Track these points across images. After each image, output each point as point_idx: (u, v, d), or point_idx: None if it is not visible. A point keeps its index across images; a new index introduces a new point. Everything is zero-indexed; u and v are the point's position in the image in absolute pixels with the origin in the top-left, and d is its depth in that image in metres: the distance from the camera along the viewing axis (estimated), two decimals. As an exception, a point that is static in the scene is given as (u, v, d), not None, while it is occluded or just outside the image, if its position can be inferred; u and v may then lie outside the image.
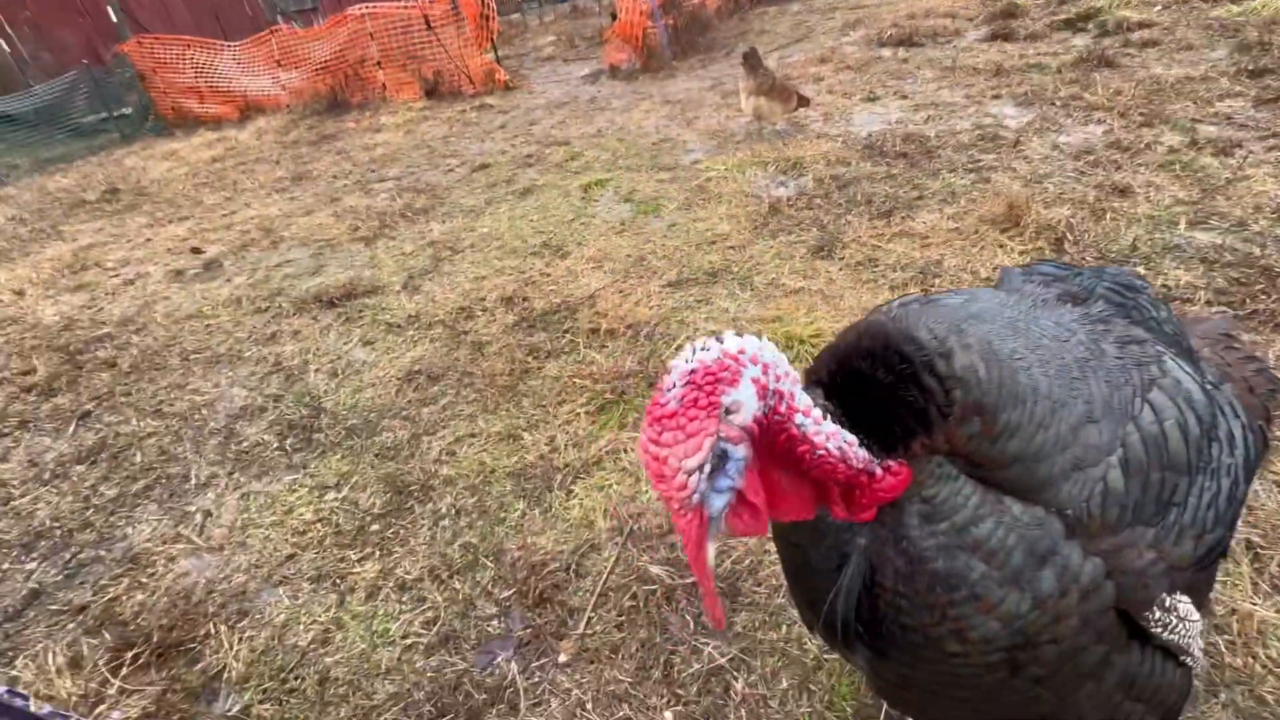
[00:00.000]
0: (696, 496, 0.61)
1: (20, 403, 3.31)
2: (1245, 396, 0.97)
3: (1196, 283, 2.56)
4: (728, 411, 0.62)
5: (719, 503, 0.64)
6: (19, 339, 4.00)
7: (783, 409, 0.67)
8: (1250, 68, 4.52)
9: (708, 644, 1.59)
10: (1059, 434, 0.72)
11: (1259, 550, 1.56)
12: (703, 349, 0.64)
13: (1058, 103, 4.70)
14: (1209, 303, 2.44)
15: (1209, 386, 0.83)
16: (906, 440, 0.71)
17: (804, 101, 5.03)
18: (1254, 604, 1.45)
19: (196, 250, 4.96)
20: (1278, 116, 3.84)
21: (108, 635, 1.87)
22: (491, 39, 9.30)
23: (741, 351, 0.64)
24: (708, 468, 0.61)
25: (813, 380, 0.80)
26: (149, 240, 5.47)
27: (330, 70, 9.73)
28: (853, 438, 0.71)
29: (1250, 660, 1.36)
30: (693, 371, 0.62)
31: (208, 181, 7.11)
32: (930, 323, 0.74)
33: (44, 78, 12.02)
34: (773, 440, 0.68)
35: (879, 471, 0.72)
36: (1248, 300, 2.40)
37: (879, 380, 0.72)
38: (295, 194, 6.01)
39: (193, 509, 2.36)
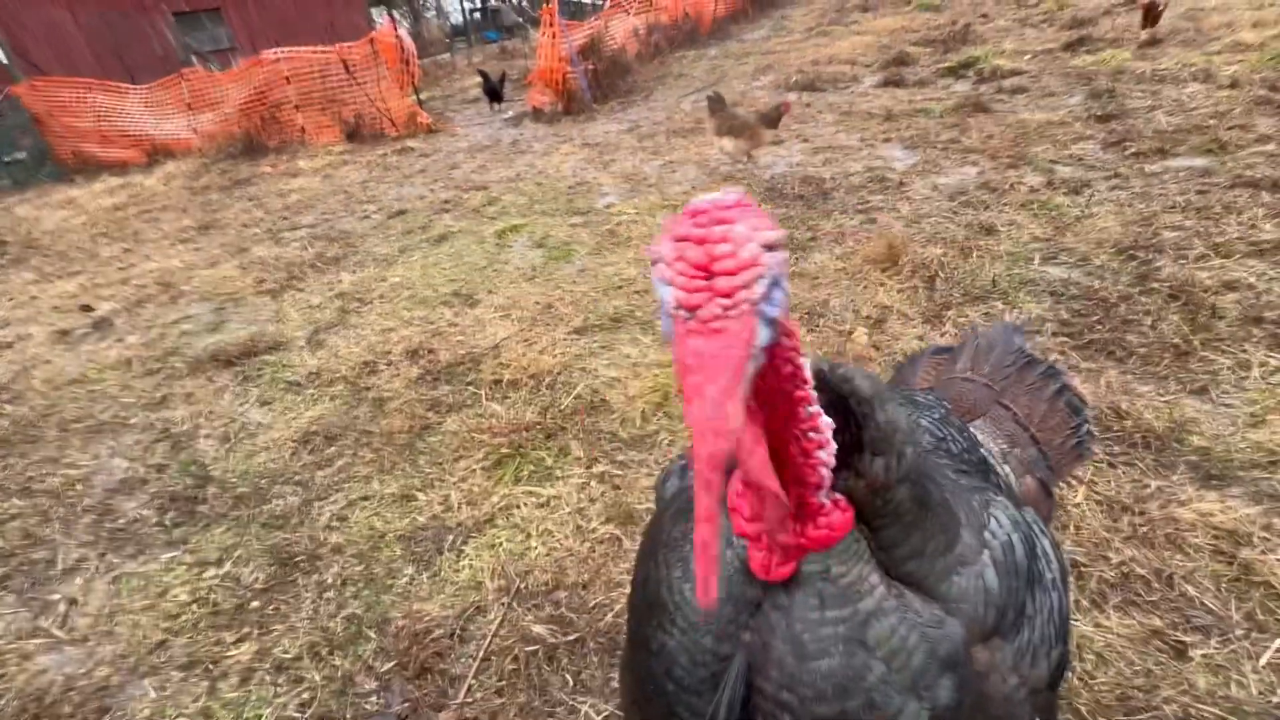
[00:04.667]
0: (765, 285, 0.45)
1: None
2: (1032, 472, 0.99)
3: (1045, 315, 2.83)
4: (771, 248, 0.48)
5: (765, 335, 0.47)
6: (-128, 414, 3.65)
7: (787, 328, 0.54)
8: (1099, 113, 5.07)
9: (585, 703, 1.60)
10: (950, 530, 0.70)
11: (1082, 569, 1.72)
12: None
13: (939, 145, 5.12)
14: (1055, 333, 2.70)
15: (1020, 510, 0.85)
16: (859, 461, 0.65)
17: (776, 116, 5.13)
18: (1075, 620, 1.60)
19: (86, 308, 4.69)
20: (1120, 158, 4.31)
21: (-58, 751, 1.72)
22: (413, 83, 9.32)
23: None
24: (781, 255, 0.46)
25: None
26: (34, 298, 5.13)
27: (246, 113, 9.50)
28: (829, 421, 0.62)
29: (1068, 674, 1.49)
30: (741, 194, 0.49)
31: (106, 232, 6.76)
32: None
33: (-76, 122, 11.18)
34: (775, 368, 0.55)
35: (828, 502, 0.64)
36: (1085, 331, 2.66)
37: (840, 395, 0.65)
38: (201, 244, 5.80)
39: (56, 597, 2.20)
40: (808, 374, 0.58)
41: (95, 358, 3.91)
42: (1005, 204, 3.95)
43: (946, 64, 7.46)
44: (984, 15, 10.07)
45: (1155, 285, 2.87)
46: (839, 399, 0.65)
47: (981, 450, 0.95)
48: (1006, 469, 0.98)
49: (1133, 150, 4.33)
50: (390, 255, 4.73)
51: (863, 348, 2.75)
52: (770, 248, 0.45)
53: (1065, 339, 2.64)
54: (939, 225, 3.81)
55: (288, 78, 9.23)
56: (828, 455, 0.61)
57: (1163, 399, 2.25)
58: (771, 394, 0.57)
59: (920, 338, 2.80)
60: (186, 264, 5.29)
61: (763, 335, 0.47)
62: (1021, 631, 0.72)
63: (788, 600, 0.65)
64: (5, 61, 10.72)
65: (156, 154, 9.98)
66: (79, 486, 2.75)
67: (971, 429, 1.01)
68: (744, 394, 0.45)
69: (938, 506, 0.69)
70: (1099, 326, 2.67)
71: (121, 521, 2.51)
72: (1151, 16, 6.56)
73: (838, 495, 0.65)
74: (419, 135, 8.74)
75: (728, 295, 0.44)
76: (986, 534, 0.74)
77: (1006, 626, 0.70)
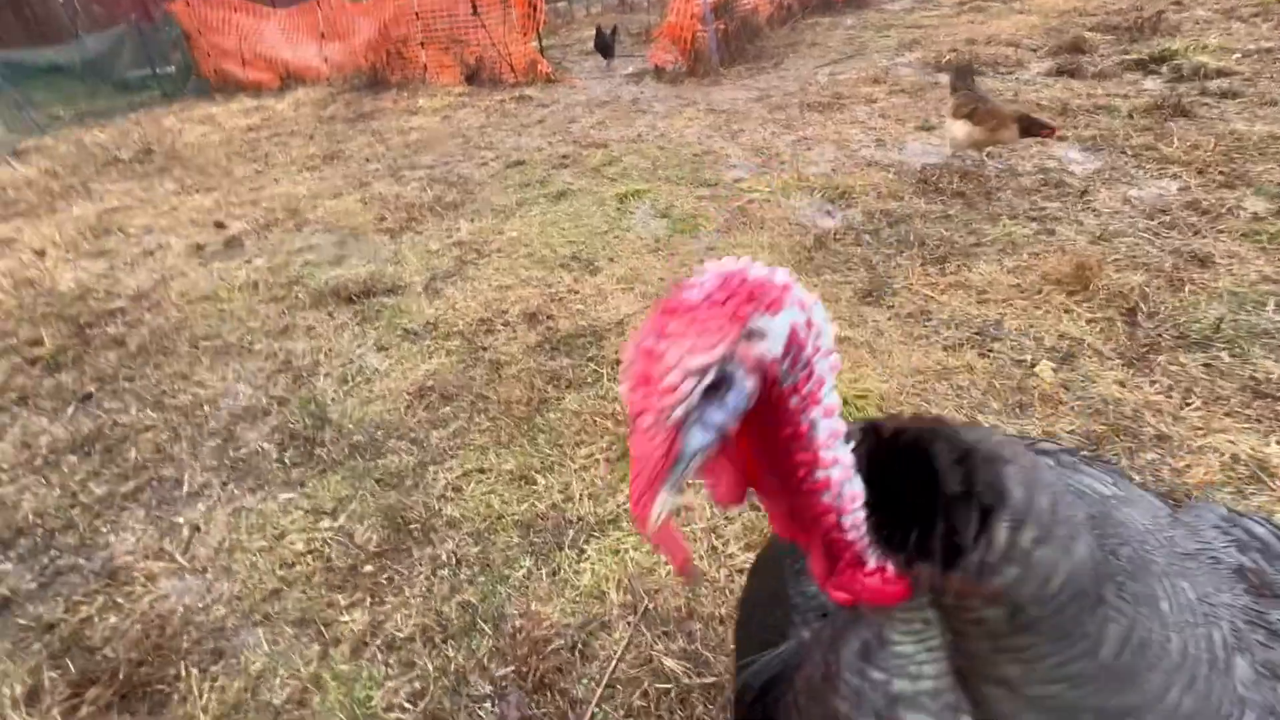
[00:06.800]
0: (681, 411, 0.48)
1: (24, 375, 3.21)
2: None
3: (1290, 380, 2.32)
4: (752, 334, 0.49)
5: (700, 439, 0.50)
6: (32, 304, 3.91)
7: (804, 390, 0.53)
8: (1344, 132, 4.21)
9: (723, 764, 1.41)
10: (1081, 703, 0.53)
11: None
12: (752, 264, 0.51)
13: (1129, 151, 4.42)
14: (1303, 404, 2.20)
15: None
16: (918, 555, 0.54)
17: (1038, 130, 3.89)
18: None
19: (220, 225, 4.86)
20: (1376, 191, 3.54)
21: (72, 665, 1.73)
22: (538, 29, 9.12)
23: (791, 288, 0.51)
24: (710, 378, 0.48)
25: (856, 427, 0.62)
26: (174, 209, 5.39)
27: (373, 46, 9.63)
28: (861, 491, 0.56)
29: None
30: (732, 274, 0.50)
31: (240, 151, 7.04)
32: (1039, 491, 0.53)
33: (93, 29, 12.08)
34: (773, 421, 0.55)
35: (871, 563, 0.58)
36: (1351, 408, 2.15)
37: (943, 476, 0.55)
38: (325, 173, 5.89)
39: (180, 521, 2.22)
40: (821, 439, 0.54)
41: (226, 276, 4.02)
42: (1221, 231, 3.33)
43: (1134, 55, 6.48)
44: (1177, 2, 8.73)
45: None
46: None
47: None
48: None
49: (1395, 183, 3.55)
50: (508, 207, 4.60)
51: (1050, 386, 2.35)
52: (701, 372, 0.47)
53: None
54: (1136, 247, 3.25)
55: (417, 13, 9.23)
56: (849, 520, 0.57)
57: None
58: (768, 447, 0.57)
59: (1122, 383, 2.37)
60: (311, 192, 5.38)
61: (696, 440, 0.50)
62: None
63: (841, 627, 0.65)
64: (165, -23, 11.35)
65: (289, 79, 10.32)
66: (206, 408, 2.79)
67: None
68: (677, 484, 0.50)
69: (1087, 666, 0.52)
70: (1369, 405, 2.16)
71: (244, 451, 2.51)
72: None
73: (887, 565, 0.58)
74: (537, 84, 8.57)
75: (657, 412, 0.48)
76: None
77: None
